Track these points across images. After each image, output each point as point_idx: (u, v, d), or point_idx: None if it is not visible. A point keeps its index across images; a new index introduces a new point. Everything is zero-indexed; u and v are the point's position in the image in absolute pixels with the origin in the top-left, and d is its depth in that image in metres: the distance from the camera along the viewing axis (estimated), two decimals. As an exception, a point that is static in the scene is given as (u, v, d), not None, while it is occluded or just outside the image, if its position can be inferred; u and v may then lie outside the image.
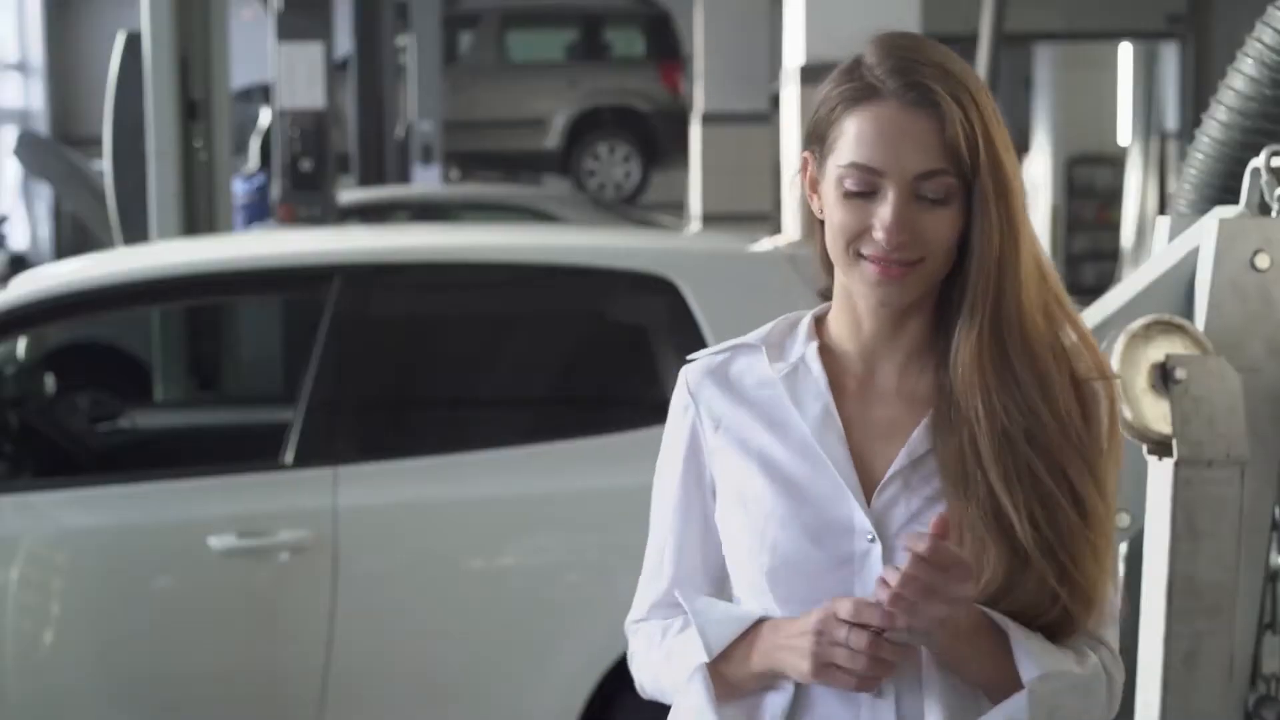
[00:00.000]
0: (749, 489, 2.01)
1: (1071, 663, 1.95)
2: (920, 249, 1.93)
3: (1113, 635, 2.01)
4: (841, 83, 1.97)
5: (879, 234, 1.92)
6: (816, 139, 2.00)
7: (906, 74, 1.93)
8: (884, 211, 1.92)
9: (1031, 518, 1.91)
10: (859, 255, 1.95)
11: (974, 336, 1.93)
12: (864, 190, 1.93)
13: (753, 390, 2.05)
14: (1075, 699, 1.94)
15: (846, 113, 1.95)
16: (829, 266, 2.03)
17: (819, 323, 2.07)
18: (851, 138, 1.94)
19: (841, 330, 2.03)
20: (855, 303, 2.00)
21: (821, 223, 2.02)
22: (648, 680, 2.14)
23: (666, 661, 2.07)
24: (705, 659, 1.99)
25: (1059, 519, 1.92)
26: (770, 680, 1.99)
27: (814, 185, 2.02)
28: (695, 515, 2.08)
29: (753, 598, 2.02)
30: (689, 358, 2.13)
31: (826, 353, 2.04)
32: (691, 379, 2.09)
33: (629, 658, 2.19)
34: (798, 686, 1.98)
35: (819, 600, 1.93)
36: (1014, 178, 1.94)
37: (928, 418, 1.97)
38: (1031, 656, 1.92)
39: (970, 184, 1.93)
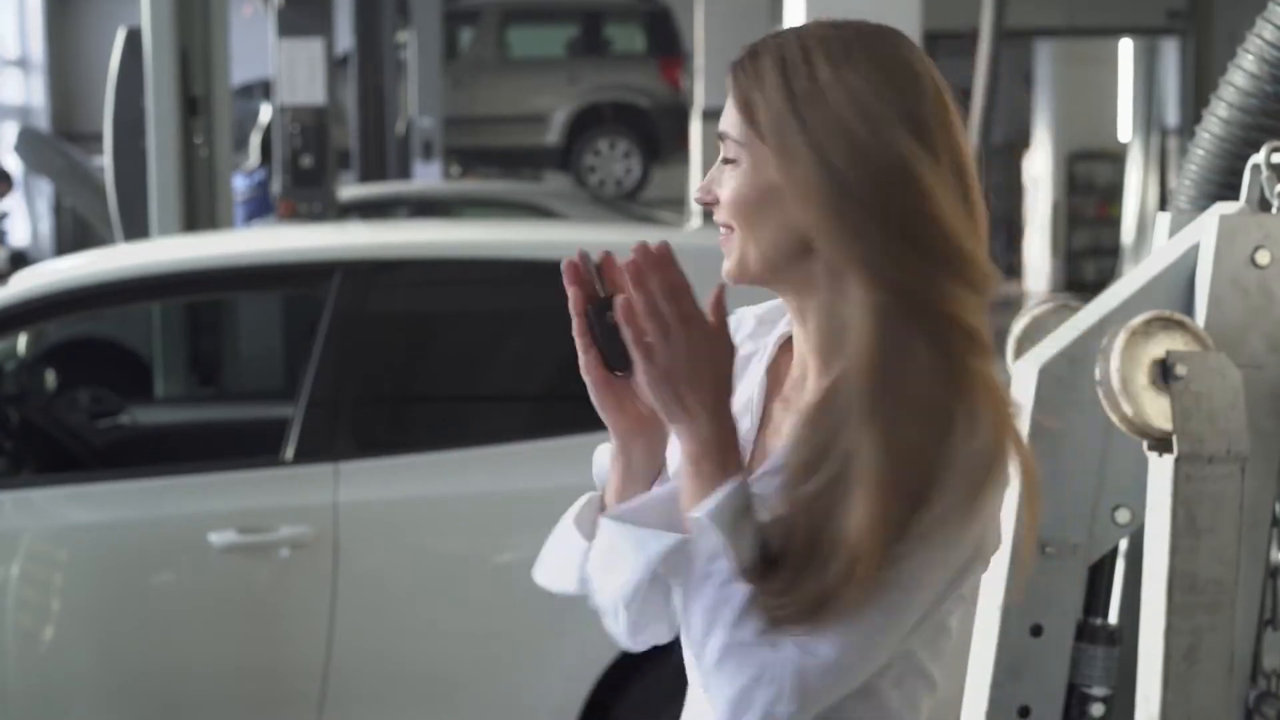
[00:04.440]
0: None
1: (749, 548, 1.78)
2: (722, 209, 1.91)
3: (824, 647, 1.78)
4: None
5: None
6: None
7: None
8: None
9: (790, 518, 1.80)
10: None
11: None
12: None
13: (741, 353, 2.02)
14: (717, 589, 1.78)
15: None
16: None
17: None
18: None
19: None
20: None
21: None
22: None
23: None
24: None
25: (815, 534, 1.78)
26: (616, 482, 1.90)
27: None
28: None
29: None
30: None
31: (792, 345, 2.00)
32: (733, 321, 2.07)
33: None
34: None
35: None
36: (800, 146, 1.82)
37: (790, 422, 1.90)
38: (713, 501, 1.78)
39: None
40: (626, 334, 1.81)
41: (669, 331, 1.81)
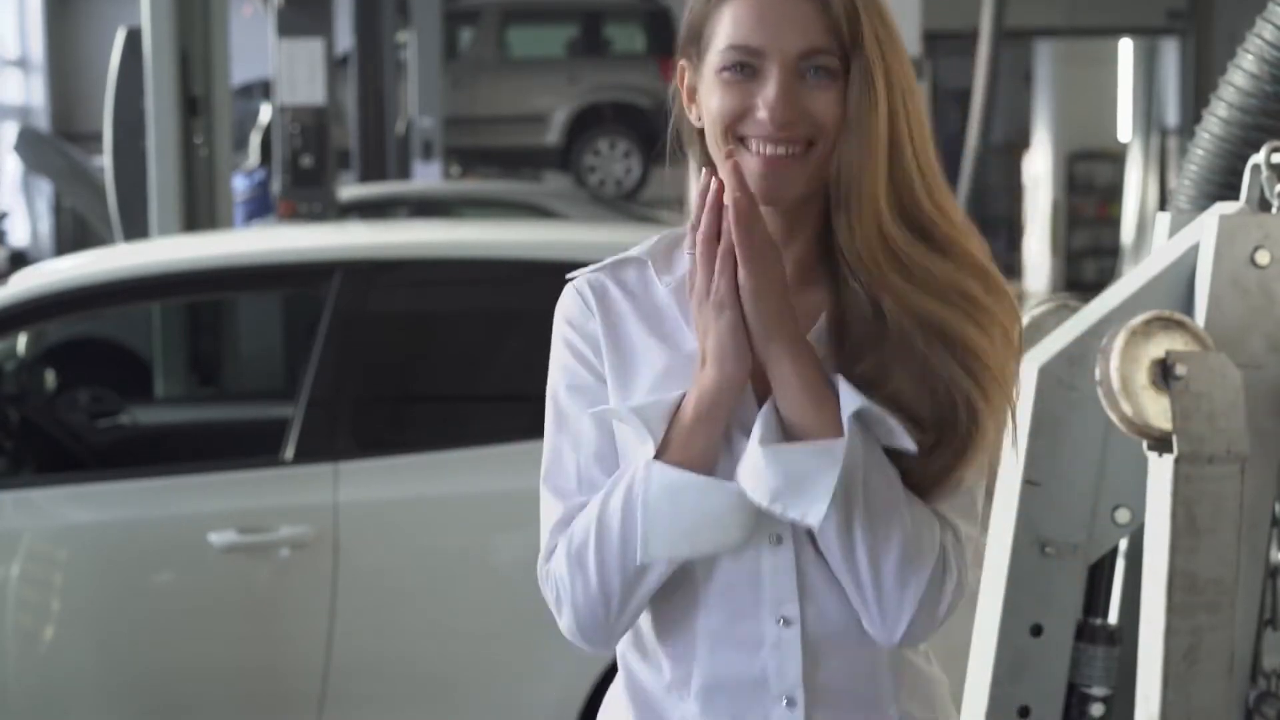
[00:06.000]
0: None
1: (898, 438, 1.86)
2: (809, 129, 1.86)
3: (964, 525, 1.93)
4: None
5: (762, 113, 1.87)
6: (693, 40, 1.95)
7: None
8: (768, 90, 1.86)
9: (921, 414, 1.87)
10: (740, 142, 1.89)
11: (874, 221, 1.86)
12: (744, 73, 1.88)
13: (645, 303, 2.01)
14: (887, 489, 1.86)
15: (722, 3, 1.91)
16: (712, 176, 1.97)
17: None
18: (729, 23, 1.89)
19: None
20: None
21: (700, 132, 1.98)
22: (592, 564, 2.02)
23: (612, 509, 1.96)
24: (651, 453, 1.91)
25: (955, 413, 1.87)
26: (714, 437, 1.88)
27: (691, 94, 1.98)
28: (605, 428, 2.05)
29: None
30: (570, 276, 2.08)
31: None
32: (587, 291, 2.05)
33: (554, 597, 2.09)
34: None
35: None
36: (904, 63, 1.88)
37: (812, 334, 1.92)
38: (854, 395, 1.84)
39: (850, 67, 1.87)
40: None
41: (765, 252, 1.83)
